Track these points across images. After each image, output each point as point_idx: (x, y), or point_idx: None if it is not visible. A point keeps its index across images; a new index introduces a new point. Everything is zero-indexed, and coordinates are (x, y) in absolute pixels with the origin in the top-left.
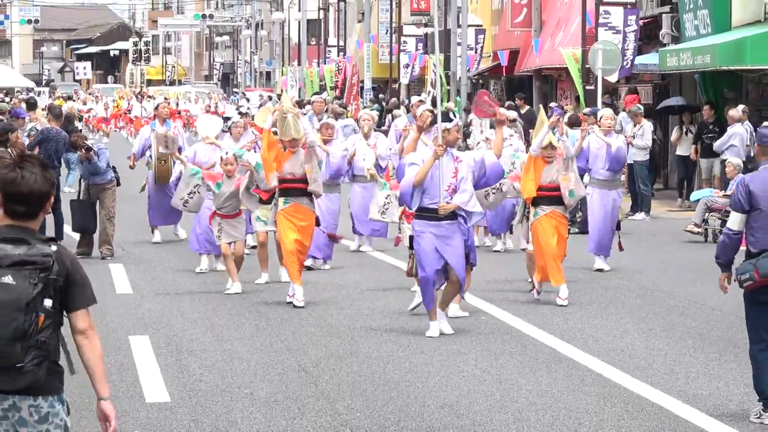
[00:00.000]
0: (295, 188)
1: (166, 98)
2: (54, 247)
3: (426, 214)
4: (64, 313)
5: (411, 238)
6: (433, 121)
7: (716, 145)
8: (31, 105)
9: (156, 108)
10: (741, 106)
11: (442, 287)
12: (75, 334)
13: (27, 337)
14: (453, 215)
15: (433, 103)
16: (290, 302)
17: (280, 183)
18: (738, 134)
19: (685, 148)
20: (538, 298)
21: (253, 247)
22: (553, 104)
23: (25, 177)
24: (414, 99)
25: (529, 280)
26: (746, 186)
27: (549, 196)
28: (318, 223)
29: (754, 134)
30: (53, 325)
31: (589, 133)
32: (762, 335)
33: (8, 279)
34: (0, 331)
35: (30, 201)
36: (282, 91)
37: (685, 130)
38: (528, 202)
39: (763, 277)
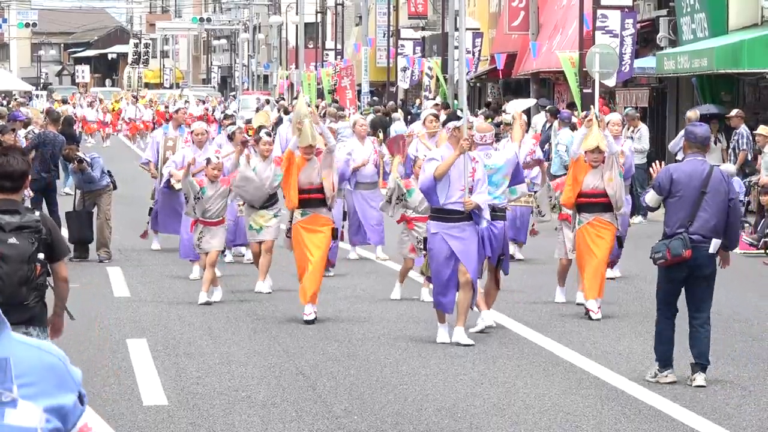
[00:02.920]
0: (314, 199)
1: (185, 101)
2: (38, 213)
3: (443, 215)
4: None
5: (425, 239)
6: (443, 123)
7: (670, 146)
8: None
9: (176, 112)
10: (735, 111)
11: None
12: (57, 280)
13: (29, 282)
14: (469, 216)
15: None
16: (308, 320)
17: (297, 193)
18: None
19: (714, 157)
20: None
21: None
22: (549, 107)
23: (9, 161)
24: (426, 113)
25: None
26: (670, 174)
27: (593, 202)
28: (335, 236)
29: (750, 138)
30: (45, 272)
31: None
32: (669, 308)
33: (14, 240)
34: (11, 279)
35: (14, 177)
36: (297, 94)
37: (713, 139)
38: (570, 208)
39: (674, 256)
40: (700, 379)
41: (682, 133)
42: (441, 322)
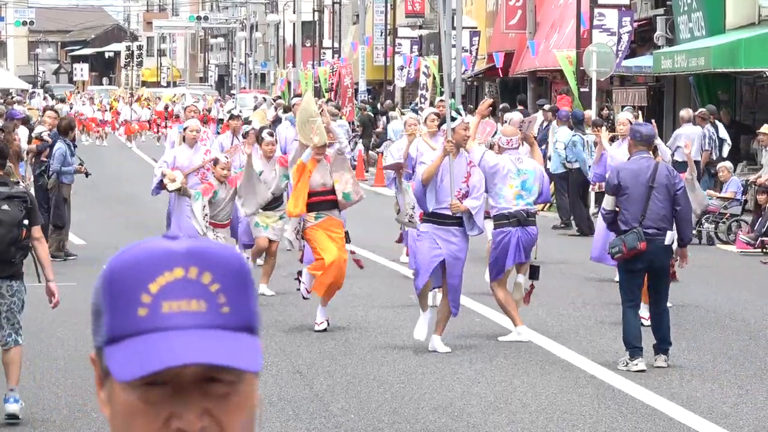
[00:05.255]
0: (327, 201)
1: (172, 101)
2: (22, 186)
3: (434, 218)
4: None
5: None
6: (441, 123)
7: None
8: None
9: (185, 110)
10: (700, 110)
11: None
12: (33, 240)
13: (17, 242)
14: (460, 222)
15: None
16: (322, 329)
17: (309, 196)
18: (684, 135)
19: None
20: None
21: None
22: (546, 106)
23: (1, 141)
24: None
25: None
26: (617, 173)
27: None
28: (348, 240)
29: (714, 138)
30: (29, 236)
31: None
32: (631, 296)
33: (6, 206)
34: (4, 239)
35: (6, 155)
36: (305, 91)
37: None
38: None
39: (629, 249)
40: (660, 360)
41: (676, 132)
42: (423, 310)
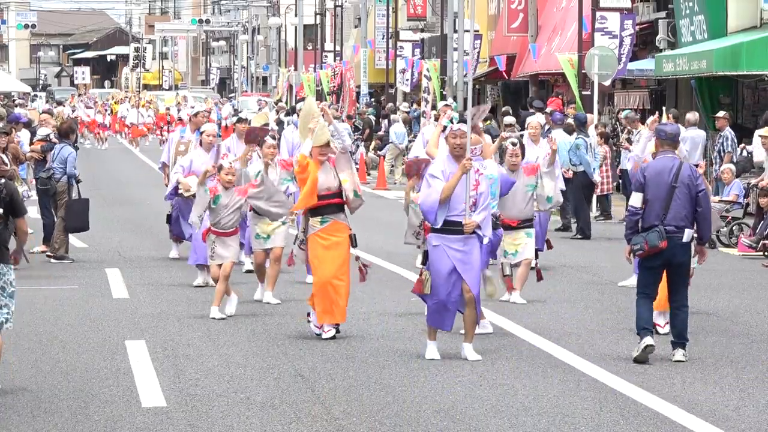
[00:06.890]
0: (333, 204)
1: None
2: (2, 180)
3: (445, 226)
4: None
5: (426, 253)
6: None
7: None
8: None
9: (195, 116)
10: (722, 112)
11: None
12: (18, 230)
13: None
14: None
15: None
16: (319, 334)
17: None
18: (688, 138)
19: None
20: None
21: (249, 271)
22: (548, 109)
23: None
24: (441, 104)
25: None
26: (642, 172)
27: None
28: (354, 244)
29: (735, 140)
30: (4, 223)
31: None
32: (645, 288)
33: None
34: None
35: None
36: (305, 95)
37: None
38: None
39: (651, 247)
40: (678, 354)
41: (681, 137)
42: (431, 339)
